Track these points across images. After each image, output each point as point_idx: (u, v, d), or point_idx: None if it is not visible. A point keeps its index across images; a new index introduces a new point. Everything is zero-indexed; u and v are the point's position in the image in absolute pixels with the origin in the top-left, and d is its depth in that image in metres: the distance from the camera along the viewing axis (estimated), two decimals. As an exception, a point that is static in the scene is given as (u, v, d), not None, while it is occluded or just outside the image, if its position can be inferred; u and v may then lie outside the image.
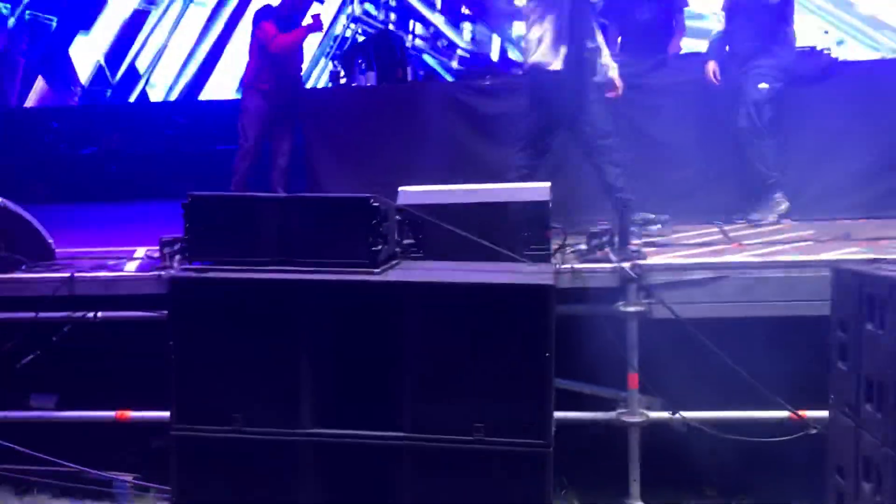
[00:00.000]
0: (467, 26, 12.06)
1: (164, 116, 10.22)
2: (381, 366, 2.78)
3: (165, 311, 2.91)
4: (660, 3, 6.09)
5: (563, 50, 4.65)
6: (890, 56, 8.37)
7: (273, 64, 6.28)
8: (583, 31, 4.73)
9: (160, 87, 10.72)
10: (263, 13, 6.42)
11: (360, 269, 2.84)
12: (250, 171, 6.33)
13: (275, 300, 2.79)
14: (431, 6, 11.91)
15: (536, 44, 4.72)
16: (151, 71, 10.70)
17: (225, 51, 10.60)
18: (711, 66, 5.47)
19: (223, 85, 10.37)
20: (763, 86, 5.23)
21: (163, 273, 3.81)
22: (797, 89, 5.41)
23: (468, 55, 11.21)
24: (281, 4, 6.39)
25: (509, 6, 11.12)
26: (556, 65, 4.67)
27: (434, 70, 10.67)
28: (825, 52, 5.66)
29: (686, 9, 6.27)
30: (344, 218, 2.88)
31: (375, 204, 2.89)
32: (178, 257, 3.79)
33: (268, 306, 2.79)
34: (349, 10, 11.65)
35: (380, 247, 2.89)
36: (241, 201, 2.94)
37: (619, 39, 6.23)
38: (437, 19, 12.78)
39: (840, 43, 10.53)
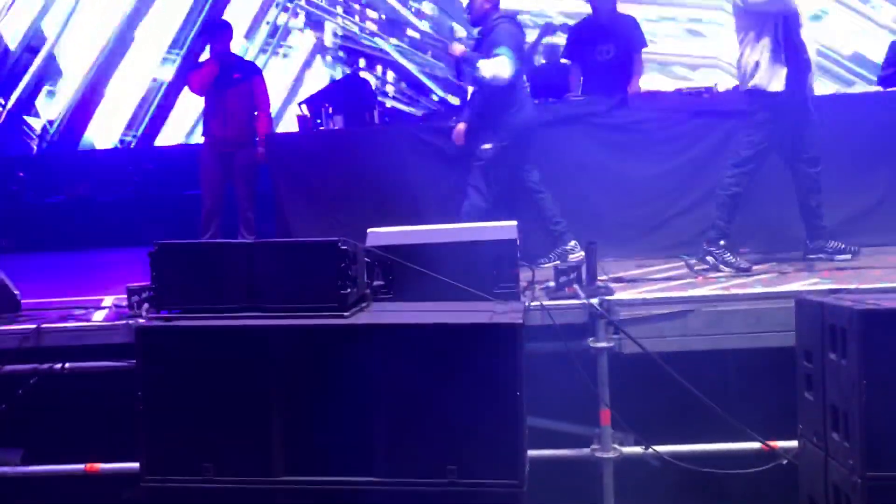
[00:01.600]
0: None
1: (131, 163, 10.18)
2: (353, 410, 2.78)
3: (134, 361, 2.88)
4: (619, 44, 6.23)
5: (782, 71, 4.68)
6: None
7: (214, 112, 6.32)
8: (798, 49, 4.75)
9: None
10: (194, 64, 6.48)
11: (330, 312, 2.85)
12: (221, 230, 6.32)
13: (244, 347, 2.79)
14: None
15: (754, 67, 4.73)
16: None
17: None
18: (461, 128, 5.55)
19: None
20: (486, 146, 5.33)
21: (131, 322, 3.78)
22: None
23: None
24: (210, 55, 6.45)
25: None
26: (776, 86, 4.70)
27: (400, 112, 10.81)
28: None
29: (644, 49, 6.42)
30: (313, 262, 2.90)
31: (344, 247, 2.91)
32: (146, 306, 3.77)
33: (237, 353, 2.79)
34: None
35: (349, 290, 2.91)
36: (208, 249, 2.95)
37: (581, 79, 6.36)
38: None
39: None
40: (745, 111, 4.96)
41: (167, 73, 10.77)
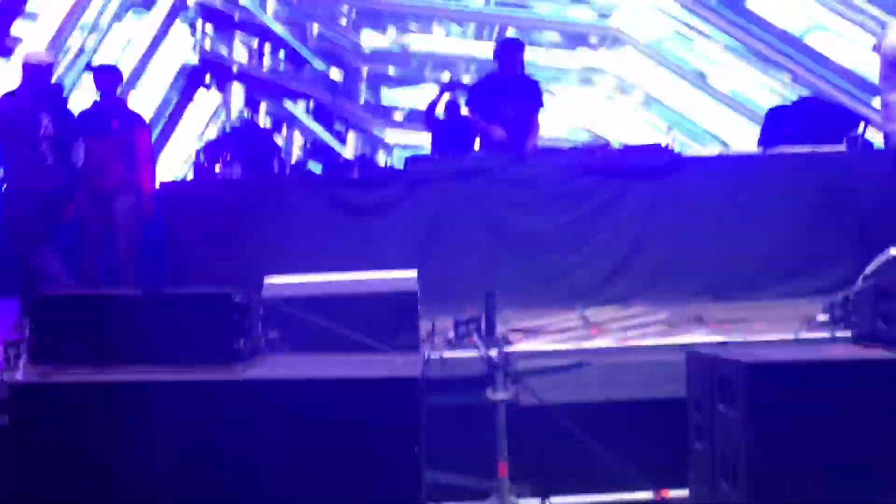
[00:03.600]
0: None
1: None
2: (247, 469, 2.68)
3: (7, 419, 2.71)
4: (520, 103, 6.41)
5: None
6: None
7: (90, 160, 5.89)
8: None
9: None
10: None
11: (222, 367, 2.75)
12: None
13: (129, 403, 2.66)
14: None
15: None
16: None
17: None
18: None
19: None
20: None
21: (5, 377, 3.55)
22: (645, 183, 5.76)
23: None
24: None
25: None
26: None
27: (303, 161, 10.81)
28: (668, 147, 6.09)
29: (541, 109, 6.64)
30: (204, 314, 2.81)
31: (237, 299, 2.84)
32: (23, 359, 3.55)
33: (122, 410, 2.65)
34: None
35: (241, 343, 2.83)
36: (93, 299, 2.82)
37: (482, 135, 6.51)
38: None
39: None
40: (636, 169, 5.15)
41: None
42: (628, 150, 6.21)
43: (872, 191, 5.70)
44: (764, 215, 5.73)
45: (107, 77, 6.28)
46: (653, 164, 5.79)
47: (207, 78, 12.89)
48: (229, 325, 2.78)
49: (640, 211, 5.74)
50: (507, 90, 6.45)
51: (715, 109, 13.22)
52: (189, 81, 12.61)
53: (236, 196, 6.04)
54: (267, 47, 13.62)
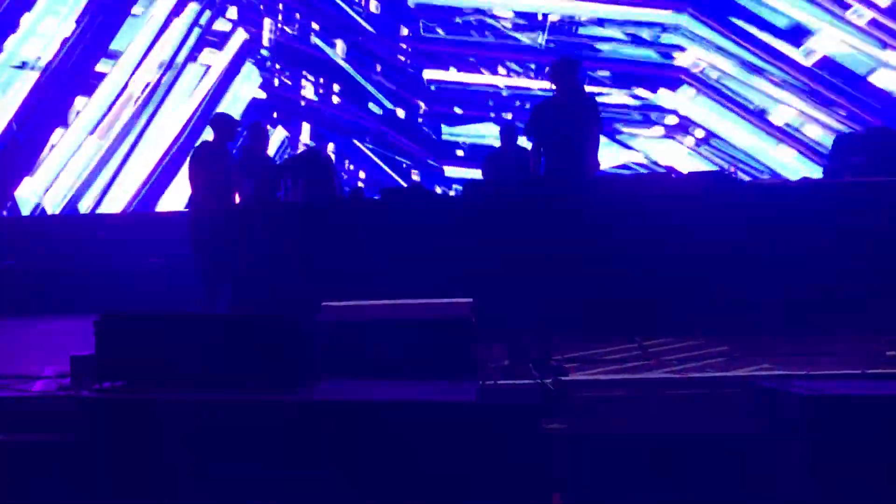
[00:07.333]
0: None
1: (87, 230, 10.03)
2: (307, 488, 2.71)
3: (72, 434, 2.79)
4: (578, 122, 6.36)
5: None
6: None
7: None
8: None
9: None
10: None
11: (281, 388, 2.80)
12: None
13: (191, 422, 2.72)
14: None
15: None
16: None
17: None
18: None
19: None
20: None
21: (72, 393, 3.66)
22: (707, 210, 5.67)
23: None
24: None
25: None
26: None
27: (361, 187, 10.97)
28: (731, 173, 6.00)
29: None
30: (264, 337, 2.86)
31: (297, 321, 2.88)
32: (88, 377, 3.65)
33: (182, 428, 2.71)
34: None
35: (301, 365, 2.87)
36: (156, 321, 2.89)
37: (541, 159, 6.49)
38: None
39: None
40: (698, 195, 5.08)
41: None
42: (690, 176, 6.13)
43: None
44: (831, 247, 5.58)
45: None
46: (715, 190, 5.70)
47: (275, 114, 13.30)
48: (289, 347, 2.82)
49: (703, 239, 5.64)
50: (566, 109, 6.39)
51: (776, 147, 13.09)
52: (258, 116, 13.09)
53: (299, 219, 6.15)
54: (335, 87, 13.97)
